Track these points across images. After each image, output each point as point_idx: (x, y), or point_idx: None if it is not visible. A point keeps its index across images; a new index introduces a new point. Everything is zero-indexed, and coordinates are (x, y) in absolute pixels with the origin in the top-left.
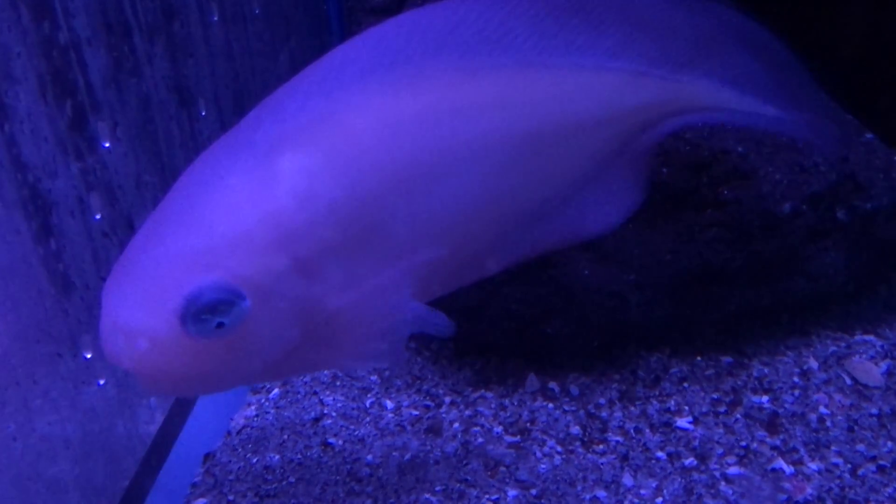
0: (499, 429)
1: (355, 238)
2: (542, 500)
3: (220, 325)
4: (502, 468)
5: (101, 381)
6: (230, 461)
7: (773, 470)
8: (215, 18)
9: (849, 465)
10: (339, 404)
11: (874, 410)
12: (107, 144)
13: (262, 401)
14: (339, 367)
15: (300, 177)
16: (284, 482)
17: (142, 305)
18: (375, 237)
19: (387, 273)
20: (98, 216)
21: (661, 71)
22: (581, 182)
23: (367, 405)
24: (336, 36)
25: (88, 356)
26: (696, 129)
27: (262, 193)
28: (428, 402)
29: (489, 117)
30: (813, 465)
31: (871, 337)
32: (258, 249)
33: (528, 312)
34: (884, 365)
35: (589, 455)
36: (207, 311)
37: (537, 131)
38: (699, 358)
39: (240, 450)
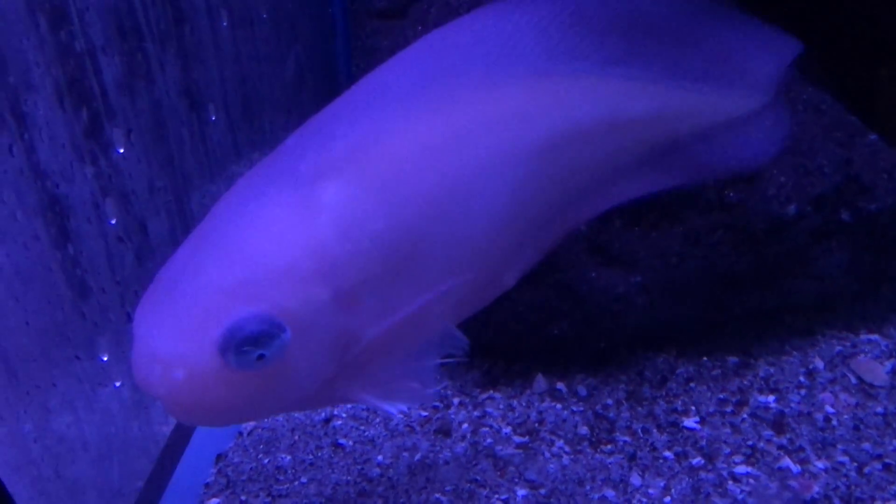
0: (507, 429)
1: (395, 267)
2: (552, 500)
3: (261, 357)
4: (511, 468)
5: (118, 384)
6: (242, 462)
7: (780, 469)
8: (224, 24)
9: (855, 464)
10: (349, 405)
11: (879, 409)
12: (121, 150)
13: None
14: (371, 402)
15: (343, 207)
16: (296, 482)
17: (181, 335)
18: (413, 265)
19: (421, 300)
20: (113, 221)
21: (672, 79)
22: (593, 190)
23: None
24: (341, 39)
25: (105, 359)
26: None
27: (305, 224)
28: (437, 404)
29: (511, 130)
30: (819, 464)
31: (875, 336)
32: (300, 281)
33: (536, 315)
34: (889, 364)
35: (597, 455)
36: (249, 344)
37: (553, 139)
38: (705, 358)
39: (251, 450)
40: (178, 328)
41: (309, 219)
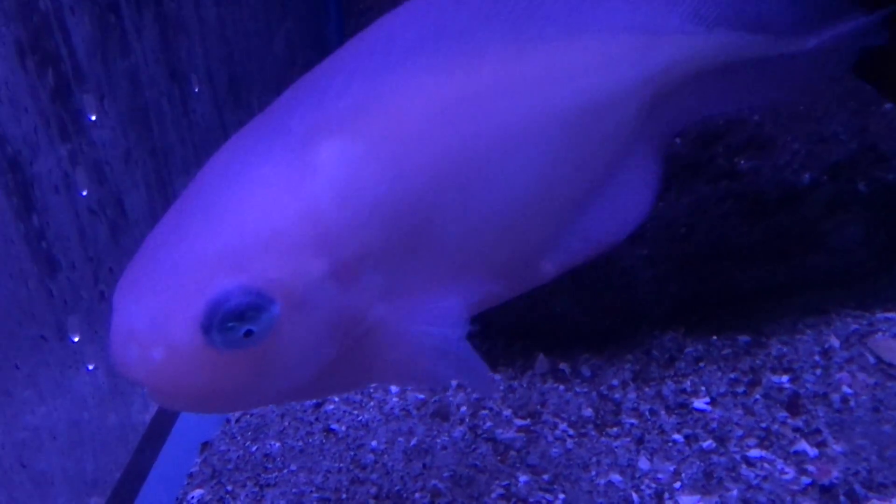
0: (508, 412)
1: (402, 241)
2: (555, 486)
3: (248, 333)
4: (512, 453)
5: (90, 367)
6: (229, 450)
7: (796, 452)
8: None
9: (875, 447)
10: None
11: None
12: (93, 117)
13: None
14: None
15: (341, 168)
16: (285, 470)
17: (159, 311)
18: (425, 239)
19: (438, 284)
20: (84, 192)
21: (690, 26)
22: (621, 155)
23: (371, 389)
24: (334, 16)
25: (76, 339)
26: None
27: (297, 187)
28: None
29: (539, 93)
30: (837, 447)
31: (893, 314)
32: (292, 250)
33: (537, 290)
34: None
35: (602, 438)
36: (233, 318)
37: (582, 103)
38: (715, 337)
39: (239, 438)
40: (156, 303)
41: (302, 180)
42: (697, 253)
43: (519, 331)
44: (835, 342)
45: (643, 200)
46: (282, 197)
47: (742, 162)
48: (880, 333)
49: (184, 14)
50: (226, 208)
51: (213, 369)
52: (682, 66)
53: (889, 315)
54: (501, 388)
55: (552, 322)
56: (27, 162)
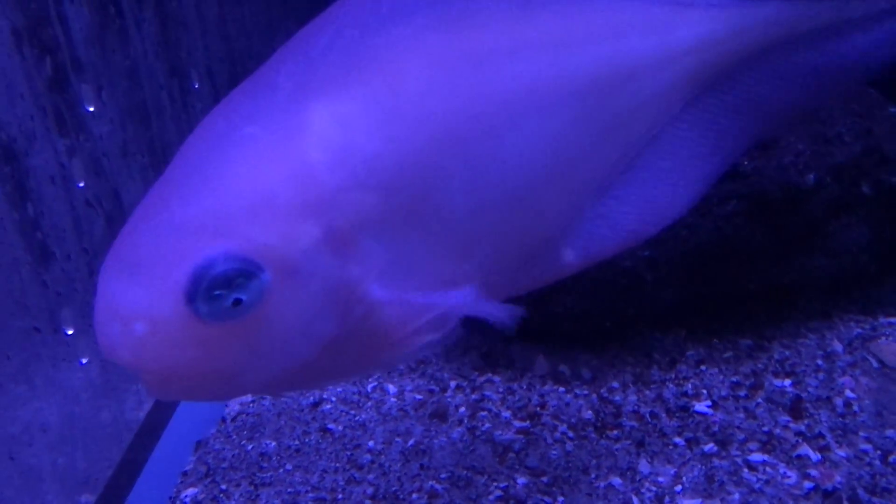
0: (507, 413)
1: (402, 208)
2: (554, 489)
3: (237, 302)
4: (511, 454)
5: (84, 360)
6: (224, 448)
7: (799, 457)
8: None
9: (879, 452)
10: (339, 388)
11: None
12: (90, 108)
13: None
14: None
15: (333, 126)
16: (281, 470)
17: (140, 282)
18: (427, 209)
19: (445, 263)
20: (81, 184)
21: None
22: (652, 138)
23: (369, 389)
24: None
25: (69, 332)
26: None
27: (286, 146)
28: (433, 387)
29: (550, 58)
30: (841, 452)
31: (895, 319)
32: (281, 214)
33: (535, 291)
34: None
35: (602, 441)
36: (220, 286)
37: (595, 72)
38: (716, 340)
39: (234, 437)
40: (137, 274)
41: (292, 140)
42: (700, 254)
43: (519, 332)
44: (837, 346)
45: (684, 194)
46: (269, 157)
47: (746, 162)
48: (884, 338)
49: (184, 10)
50: (210, 172)
51: (202, 344)
52: (718, 43)
53: (892, 319)
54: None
55: (553, 322)
56: (22, 151)
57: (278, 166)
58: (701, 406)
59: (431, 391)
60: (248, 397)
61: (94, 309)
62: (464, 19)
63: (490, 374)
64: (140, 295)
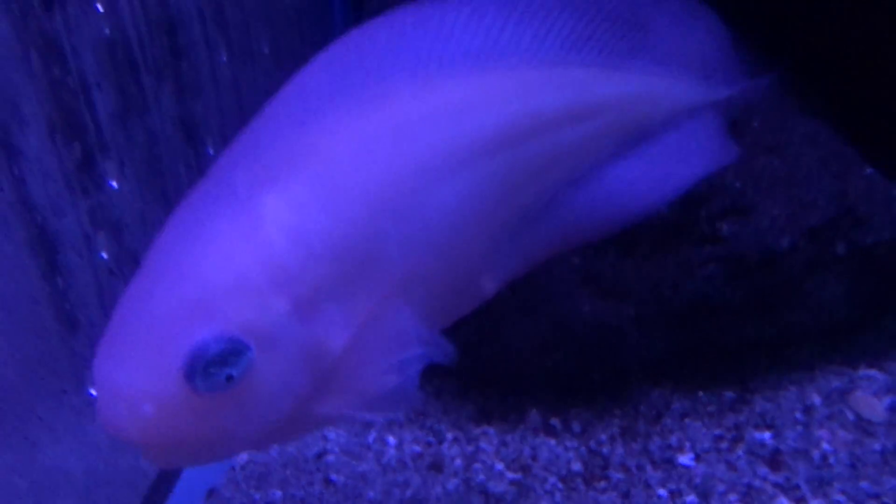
0: (500, 465)
1: (351, 269)
2: None
3: (230, 377)
4: None
5: None
6: (233, 496)
7: None
8: (224, 59)
9: (852, 503)
10: (341, 440)
11: (877, 446)
12: (114, 184)
13: None
14: (353, 418)
15: (287, 212)
16: None
17: (143, 366)
18: (370, 264)
19: (389, 305)
20: (104, 254)
21: (633, 63)
22: (563, 183)
23: (370, 441)
24: None
25: (93, 392)
26: None
27: (251, 234)
28: (430, 439)
29: (454, 122)
30: (815, 503)
31: (874, 371)
32: (255, 294)
33: (528, 347)
34: (887, 400)
35: (590, 492)
36: (215, 365)
37: (507, 129)
38: (701, 393)
39: (243, 485)
40: (139, 360)
41: (254, 229)
42: (683, 312)
43: (513, 385)
44: (816, 399)
45: (598, 224)
46: (238, 246)
47: (724, 226)
48: (860, 390)
49: (200, 78)
50: (189, 263)
51: (199, 415)
52: (635, 104)
53: (870, 372)
54: (494, 442)
55: (545, 376)
56: (53, 229)
57: (247, 253)
58: (685, 458)
59: (429, 443)
60: None
61: (98, 393)
62: (379, 99)
63: (485, 426)
64: (143, 379)
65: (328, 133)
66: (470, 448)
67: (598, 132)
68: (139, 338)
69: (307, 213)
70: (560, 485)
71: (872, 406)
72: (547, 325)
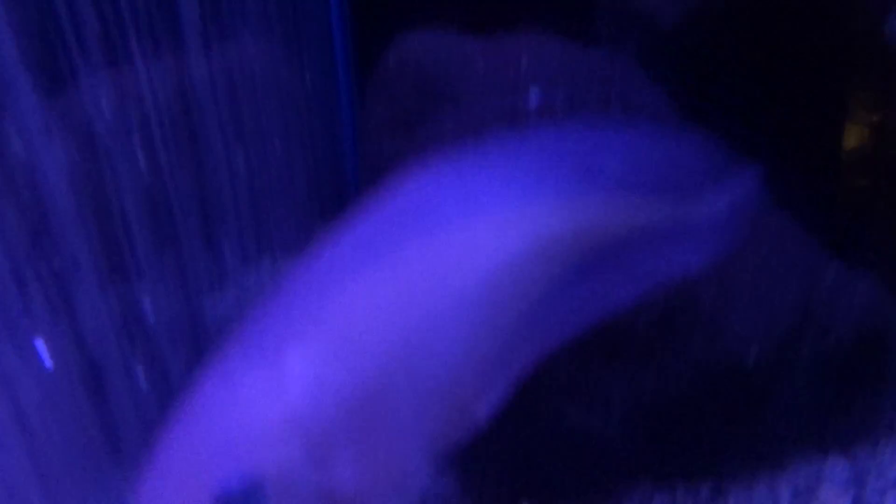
0: None
1: (364, 418)
2: None
3: None
4: None
5: None
6: None
7: None
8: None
9: None
10: None
11: None
12: (151, 319)
13: None
14: None
15: (306, 367)
16: None
17: (178, 500)
18: (382, 413)
19: (396, 445)
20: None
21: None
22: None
23: None
24: (349, 157)
25: None
26: None
27: (273, 387)
28: None
29: (449, 275)
30: None
31: (842, 460)
32: (277, 444)
33: (513, 455)
34: (851, 493)
35: None
36: (238, 500)
37: (487, 273)
38: (681, 489)
39: None
40: (177, 495)
41: (277, 382)
42: (658, 416)
43: (500, 493)
44: (785, 495)
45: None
46: (262, 398)
47: (695, 338)
48: (828, 483)
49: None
50: (222, 415)
51: None
52: (567, 231)
53: (839, 461)
54: None
55: (532, 481)
56: (103, 366)
57: (269, 404)
58: None
59: None
60: None
61: None
62: (382, 267)
63: None
64: None
65: (347, 299)
66: None
67: (574, 259)
68: (174, 477)
69: (325, 368)
70: None
71: (838, 498)
72: (530, 431)
